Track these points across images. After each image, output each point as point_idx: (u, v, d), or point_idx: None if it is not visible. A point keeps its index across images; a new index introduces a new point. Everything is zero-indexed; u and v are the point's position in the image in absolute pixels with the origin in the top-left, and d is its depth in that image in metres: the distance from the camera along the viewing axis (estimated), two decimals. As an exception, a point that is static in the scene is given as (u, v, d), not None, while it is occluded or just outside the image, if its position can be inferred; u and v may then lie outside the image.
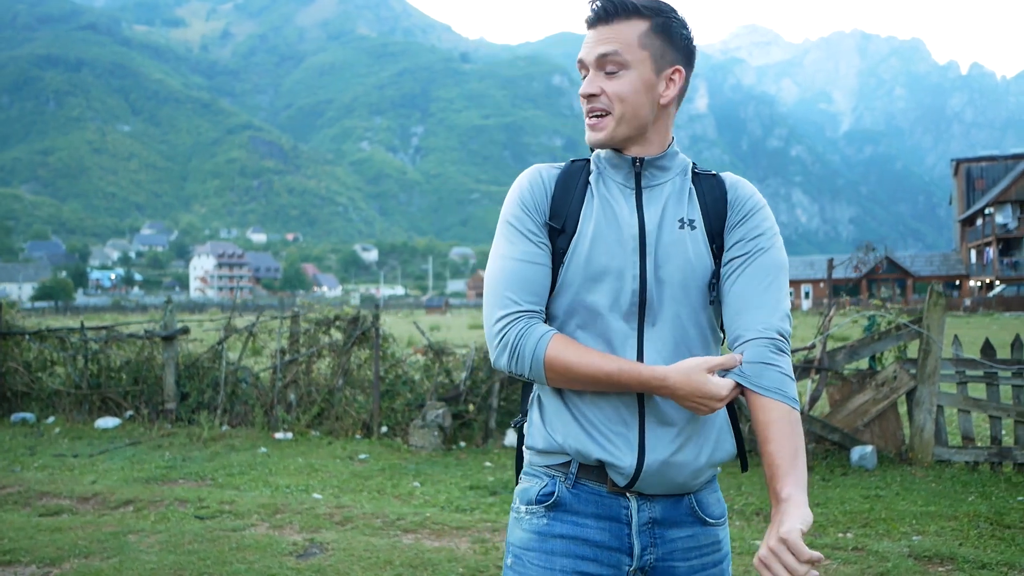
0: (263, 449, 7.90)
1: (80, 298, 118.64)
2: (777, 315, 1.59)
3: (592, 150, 1.72)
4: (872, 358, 7.22)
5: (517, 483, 1.75)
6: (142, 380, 9.47)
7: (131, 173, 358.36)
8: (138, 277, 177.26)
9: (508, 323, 1.60)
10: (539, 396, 1.72)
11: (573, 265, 1.62)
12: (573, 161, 1.73)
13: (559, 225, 1.64)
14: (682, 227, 1.63)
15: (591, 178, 1.68)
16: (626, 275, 1.60)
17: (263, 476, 6.82)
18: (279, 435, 8.43)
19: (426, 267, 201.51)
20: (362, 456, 7.58)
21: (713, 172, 1.74)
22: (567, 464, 1.65)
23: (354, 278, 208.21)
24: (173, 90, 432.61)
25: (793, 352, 7.57)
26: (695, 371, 1.52)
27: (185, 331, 9.45)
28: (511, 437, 8.06)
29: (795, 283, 71.24)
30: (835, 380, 7.18)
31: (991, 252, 57.31)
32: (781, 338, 1.58)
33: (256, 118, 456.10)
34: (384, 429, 8.47)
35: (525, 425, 1.74)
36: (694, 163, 1.74)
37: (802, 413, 6.88)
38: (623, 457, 1.58)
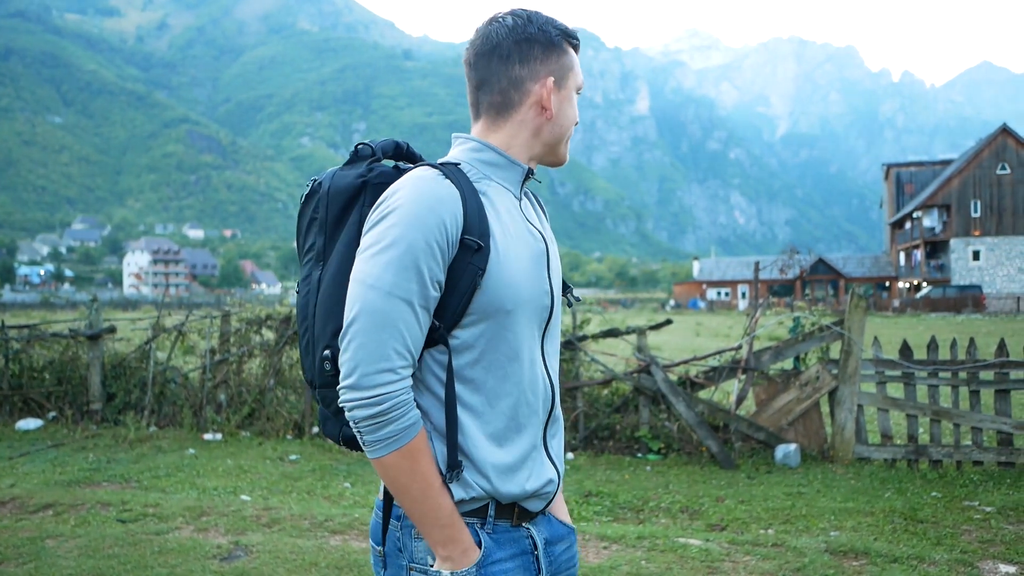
0: (191, 450, 7.76)
1: (7, 294, 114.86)
2: None
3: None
4: (796, 358, 7.39)
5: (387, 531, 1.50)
6: (66, 380, 9.22)
7: (62, 166, 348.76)
8: (69, 273, 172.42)
9: (392, 387, 1.35)
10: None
11: (496, 288, 1.41)
12: (445, 164, 1.48)
13: (479, 241, 1.40)
14: (552, 238, 1.64)
15: (478, 186, 1.49)
16: (542, 292, 1.50)
17: (190, 478, 6.70)
18: (208, 436, 8.30)
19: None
20: (293, 457, 7.50)
21: None
22: (484, 508, 1.47)
23: (293, 275, 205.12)
24: (107, 82, 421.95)
25: (720, 353, 7.72)
26: (470, 554, 1.41)
27: (111, 330, 9.23)
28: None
29: (732, 283, 72.63)
30: (761, 380, 7.34)
31: (919, 255, 59.15)
32: None
33: (194, 112, 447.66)
34: (316, 429, 8.39)
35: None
36: None
37: (728, 412, 7.05)
38: (547, 474, 1.53)
